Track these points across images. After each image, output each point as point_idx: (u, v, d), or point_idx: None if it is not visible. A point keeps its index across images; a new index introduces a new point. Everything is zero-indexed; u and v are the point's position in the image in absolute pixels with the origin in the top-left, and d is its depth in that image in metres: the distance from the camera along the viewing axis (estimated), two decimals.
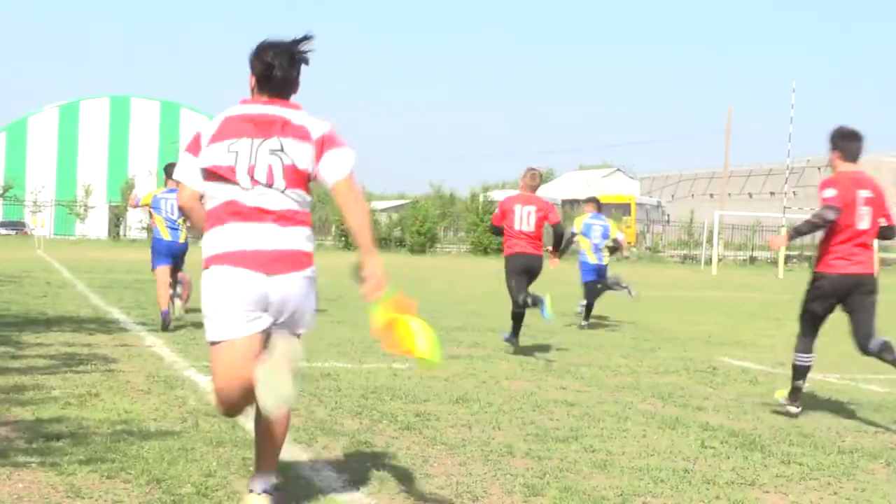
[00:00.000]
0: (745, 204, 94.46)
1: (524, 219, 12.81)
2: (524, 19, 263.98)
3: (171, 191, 13.67)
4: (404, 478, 6.28)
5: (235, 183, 5.04)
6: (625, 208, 70.76)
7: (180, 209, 5.43)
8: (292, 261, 5.04)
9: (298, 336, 5.16)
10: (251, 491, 5.32)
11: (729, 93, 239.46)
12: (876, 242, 9.28)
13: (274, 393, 4.76)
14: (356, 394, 9.18)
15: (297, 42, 5.22)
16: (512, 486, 6.19)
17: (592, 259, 16.96)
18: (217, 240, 5.06)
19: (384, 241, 65.89)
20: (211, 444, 6.89)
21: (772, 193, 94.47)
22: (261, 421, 5.24)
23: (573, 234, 17.17)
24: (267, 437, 5.31)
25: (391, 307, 5.17)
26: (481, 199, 66.76)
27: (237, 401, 5.09)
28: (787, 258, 54.76)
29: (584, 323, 16.58)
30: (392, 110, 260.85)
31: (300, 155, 5.09)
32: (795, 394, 9.12)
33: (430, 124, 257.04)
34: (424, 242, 63.06)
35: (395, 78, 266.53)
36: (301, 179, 5.13)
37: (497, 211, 13.19)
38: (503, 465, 6.71)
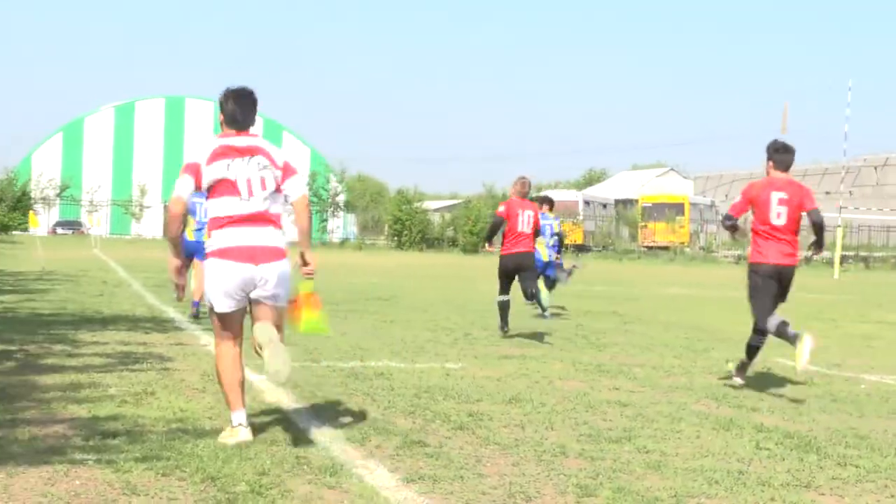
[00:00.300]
0: None
1: (525, 221, 14.31)
2: (583, 17, 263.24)
3: (201, 194, 13.57)
4: (457, 477, 6.27)
5: (238, 193, 6.85)
6: (678, 208, 70.32)
7: (173, 217, 7.02)
8: (273, 253, 6.96)
9: (277, 311, 7.08)
10: (239, 424, 6.97)
11: (785, 91, 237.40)
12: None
13: (276, 368, 6.80)
14: (409, 393, 9.20)
15: (251, 91, 7.13)
16: (565, 487, 6.17)
17: (544, 256, 17.87)
18: (218, 239, 6.89)
19: (437, 241, 65.94)
20: (265, 443, 6.93)
21: (827, 193, 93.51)
22: (241, 369, 7.25)
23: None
24: (243, 381, 7.22)
25: (307, 292, 7.23)
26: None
27: (226, 353, 7.22)
28: (843, 258, 54.21)
29: (546, 313, 16.94)
30: (443, 110, 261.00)
31: (275, 172, 6.99)
32: (743, 369, 10.55)
33: (482, 124, 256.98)
34: (476, 242, 63.03)
35: (449, 77, 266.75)
36: (278, 190, 7.02)
37: (503, 209, 14.50)
38: (556, 466, 6.70)
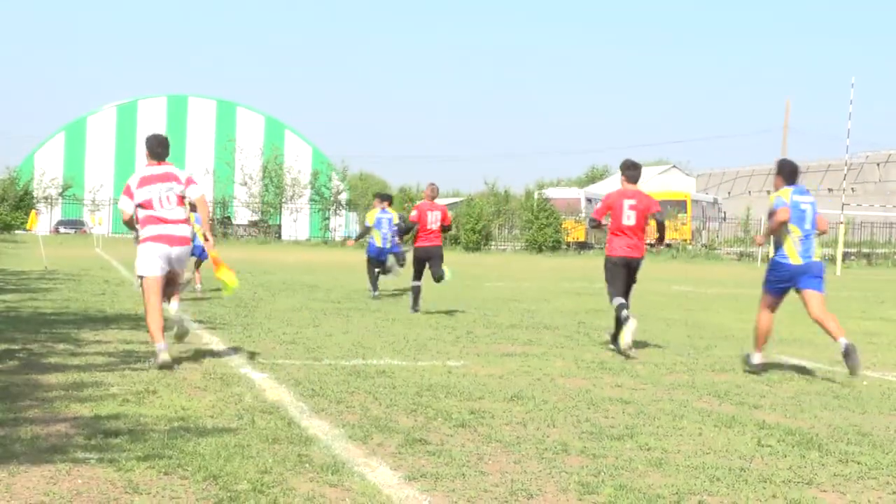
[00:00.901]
0: None
1: (433, 220, 17.75)
2: (586, 13, 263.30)
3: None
4: (459, 475, 6.28)
5: (153, 208, 10.43)
6: (680, 205, 70.29)
7: (125, 223, 10.75)
8: (182, 239, 10.45)
9: (180, 276, 10.84)
10: (161, 350, 10.12)
11: (787, 88, 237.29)
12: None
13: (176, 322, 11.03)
14: (411, 391, 9.21)
15: (166, 137, 11.09)
16: (567, 484, 6.18)
17: (378, 243, 21.22)
18: (147, 231, 10.39)
19: None
20: (267, 441, 6.94)
21: (830, 190, 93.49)
22: (161, 316, 10.42)
23: (367, 227, 21.68)
24: (163, 323, 10.40)
25: (214, 256, 10.73)
26: (536, 196, 66.53)
27: (154, 304, 10.35)
28: (846, 255, 54.17)
29: (375, 294, 20.58)
30: (446, 108, 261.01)
31: (179, 188, 10.54)
32: (615, 339, 12.91)
33: (484, 121, 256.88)
34: (479, 240, 63.02)
35: (451, 74, 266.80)
36: (181, 201, 10.54)
37: (415, 213, 17.92)
38: (558, 463, 6.70)
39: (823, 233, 11.48)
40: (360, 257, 23.73)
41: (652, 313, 18.73)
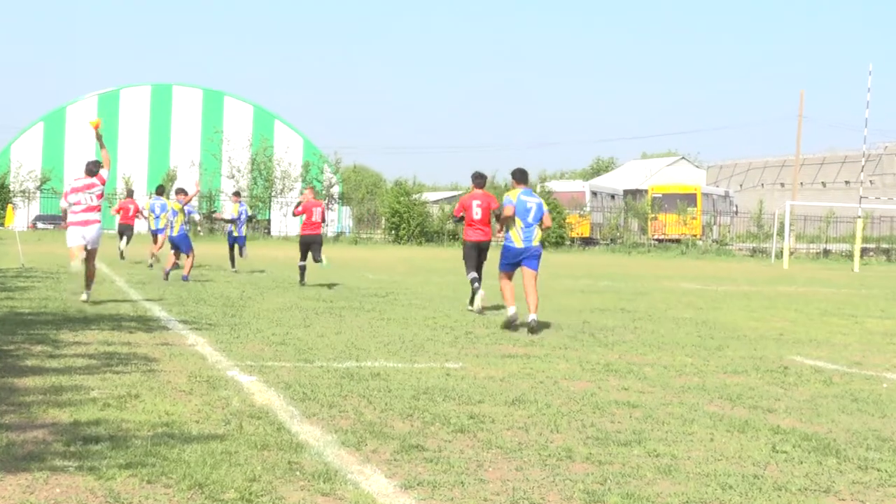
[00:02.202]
0: (819, 193, 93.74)
1: (316, 214, 23.83)
2: (593, 3, 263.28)
3: (158, 197, 29.69)
4: (458, 483, 6.27)
5: (79, 203, 17.09)
6: (690, 199, 70.35)
7: (63, 213, 18.47)
8: (94, 223, 17.11)
9: (93, 249, 17.32)
10: (83, 292, 17.09)
11: (801, 77, 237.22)
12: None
13: (76, 269, 17.24)
14: (407, 395, 9.19)
15: (97, 162, 17.66)
16: (571, 493, 6.17)
17: (235, 232, 29.17)
18: (72, 218, 17.11)
19: (436, 235, 65.90)
20: (255, 448, 6.92)
21: (847, 182, 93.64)
22: (83, 269, 17.08)
23: (233, 219, 29.56)
24: (87, 274, 17.06)
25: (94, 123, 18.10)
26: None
27: (77, 267, 16.85)
28: (864, 251, 54.23)
29: (234, 269, 28.22)
30: (442, 97, 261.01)
31: (98, 191, 17.25)
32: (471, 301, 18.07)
33: (482, 111, 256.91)
34: None
35: (447, 63, 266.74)
36: (100, 198, 17.28)
37: (300, 208, 23.95)
38: (562, 471, 6.69)
39: (547, 227, 15.56)
40: (354, 253, 24.08)
41: (660, 312, 18.73)
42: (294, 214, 24.55)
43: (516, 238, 15.13)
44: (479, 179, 18.77)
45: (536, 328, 14.49)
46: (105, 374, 9.69)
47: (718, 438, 7.89)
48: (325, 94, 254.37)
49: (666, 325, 16.44)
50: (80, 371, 9.78)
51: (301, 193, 37.09)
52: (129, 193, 38.10)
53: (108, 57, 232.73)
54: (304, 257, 23.66)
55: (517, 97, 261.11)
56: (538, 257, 15.31)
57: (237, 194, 31.41)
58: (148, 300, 17.85)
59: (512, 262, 15.32)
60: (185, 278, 23.40)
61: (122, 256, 32.02)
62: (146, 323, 14.24)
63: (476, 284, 17.74)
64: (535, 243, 15.17)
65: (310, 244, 23.70)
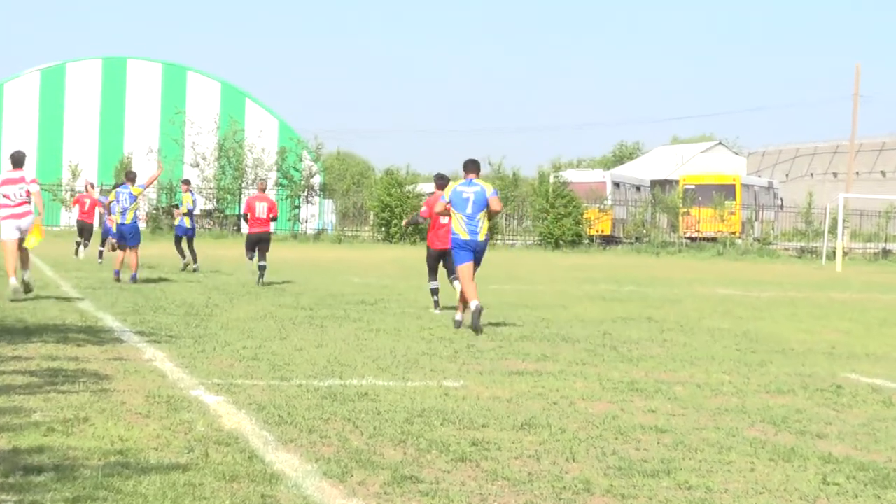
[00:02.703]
0: (877, 185, 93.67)
1: (261, 210, 26.06)
2: None
3: (124, 186, 26.73)
4: None
5: (9, 198, 19.71)
6: (728, 190, 70.23)
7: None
8: (27, 214, 19.71)
9: (25, 237, 19.47)
10: (13, 282, 19.03)
11: (856, 51, 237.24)
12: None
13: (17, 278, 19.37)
14: (399, 417, 9.21)
15: (23, 152, 20.62)
16: None
17: (187, 224, 30.98)
18: (5, 212, 19.75)
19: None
20: (223, 479, 6.93)
21: None
22: (15, 262, 19.34)
23: (182, 209, 31.58)
24: (22, 257, 19.60)
25: (37, 226, 19.53)
26: (552, 180, 66.24)
27: (11, 263, 19.20)
28: None
29: (194, 266, 29.88)
30: (440, 74, 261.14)
31: (25, 186, 19.85)
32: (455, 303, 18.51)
33: (487, 89, 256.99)
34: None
35: (446, 35, 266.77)
36: (28, 194, 19.79)
37: (245, 206, 27.31)
38: None
39: (496, 212, 17.51)
40: (338, 254, 24.03)
41: (693, 322, 18.75)
42: (245, 218, 27.17)
43: (460, 230, 16.95)
44: (442, 180, 19.78)
45: (477, 317, 16.25)
46: (49, 393, 9.70)
47: (760, 468, 7.90)
48: (303, 69, 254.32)
49: (700, 338, 16.46)
50: (19, 391, 9.79)
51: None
52: (92, 186, 39.96)
53: (51, 27, 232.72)
54: (250, 256, 26.49)
55: (527, 72, 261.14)
56: (482, 251, 17.28)
57: (187, 182, 33.89)
58: (99, 308, 17.85)
59: (464, 249, 16.97)
60: (134, 278, 24.39)
61: (76, 254, 36.16)
62: (97, 334, 14.25)
63: (455, 283, 18.92)
64: (482, 238, 16.98)
65: (256, 242, 26.21)
